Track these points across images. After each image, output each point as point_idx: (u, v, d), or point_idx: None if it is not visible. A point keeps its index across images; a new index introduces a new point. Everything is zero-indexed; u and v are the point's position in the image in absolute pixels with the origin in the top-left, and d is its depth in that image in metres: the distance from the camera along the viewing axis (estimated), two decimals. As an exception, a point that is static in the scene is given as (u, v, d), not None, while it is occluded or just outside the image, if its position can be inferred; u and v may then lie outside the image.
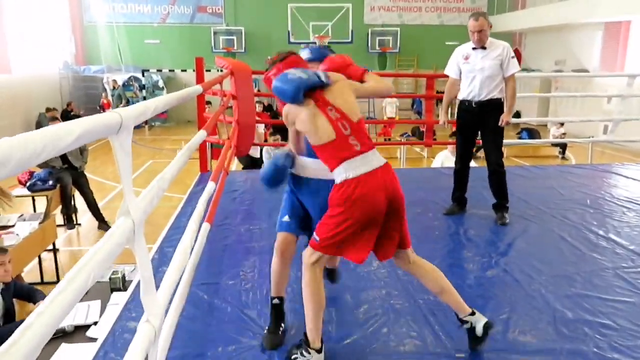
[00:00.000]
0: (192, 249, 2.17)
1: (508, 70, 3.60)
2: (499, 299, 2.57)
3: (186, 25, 17.76)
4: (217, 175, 3.06)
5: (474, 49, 3.63)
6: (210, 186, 2.72)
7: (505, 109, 3.67)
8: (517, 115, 17.45)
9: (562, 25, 14.03)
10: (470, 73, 3.63)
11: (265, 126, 8.16)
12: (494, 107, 3.61)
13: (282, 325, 2.19)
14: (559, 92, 15.28)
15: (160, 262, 2.90)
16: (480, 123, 3.68)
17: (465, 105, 3.71)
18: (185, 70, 17.09)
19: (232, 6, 17.70)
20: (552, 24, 14.02)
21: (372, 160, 1.88)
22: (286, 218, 2.19)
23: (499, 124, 3.62)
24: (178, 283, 1.88)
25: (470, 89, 3.64)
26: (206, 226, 2.57)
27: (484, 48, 3.60)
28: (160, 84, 17.31)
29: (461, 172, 3.90)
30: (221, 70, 6.05)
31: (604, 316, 2.38)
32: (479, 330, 2.00)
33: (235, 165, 8.45)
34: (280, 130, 10.05)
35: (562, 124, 11.35)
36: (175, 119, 16.90)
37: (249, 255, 3.09)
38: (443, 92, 3.96)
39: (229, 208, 4.05)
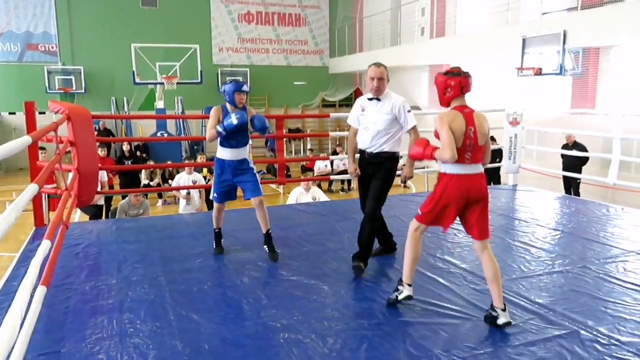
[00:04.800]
0: (25, 317, 1.93)
1: (407, 124, 3.55)
2: (351, 330, 2.69)
3: (14, 64, 16.11)
4: (53, 231, 2.77)
5: (369, 99, 3.60)
6: (45, 244, 2.46)
7: (407, 161, 3.68)
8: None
9: (395, 67, 15.52)
10: (365, 125, 3.61)
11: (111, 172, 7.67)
12: (381, 160, 3.57)
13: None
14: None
15: (-14, 337, 2.52)
16: (371, 173, 3.64)
17: (361, 155, 3.71)
18: (13, 113, 15.42)
19: (68, 44, 16.52)
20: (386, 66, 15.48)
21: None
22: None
23: (401, 181, 3.94)
24: (8, 358, 1.65)
25: (363, 140, 3.66)
26: (42, 289, 2.31)
27: (379, 100, 3.55)
28: (-17, 128, 15.38)
29: None
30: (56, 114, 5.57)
31: (445, 334, 2.62)
32: (499, 322, 2.67)
33: (79, 216, 7.77)
34: (126, 175, 9.52)
35: (401, 157, 12.46)
36: (3, 166, 15.07)
37: (96, 316, 2.84)
38: (294, 131, 4.05)
39: (71, 265, 3.69)
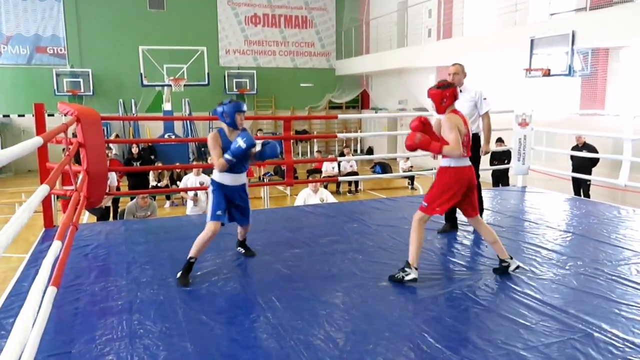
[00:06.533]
0: (36, 318, 1.92)
1: (482, 109, 4.37)
2: (361, 332, 2.68)
3: (23, 67, 16.24)
4: (63, 232, 2.77)
5: None
6: (56, 245, 2.46)
7: (483, 140, 4.49)
8: (370, 151, 18.84)
9: (402, 68, 15.54)
10: None
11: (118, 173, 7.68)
12: (472, 140, 3.79)
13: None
14: (404, 129, 16.80)
15: (-3, 337, 2.53)
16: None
17: None
18: (23, 115, 15.55)
19: (76, 47, 16.63)
20: (392, 68, 15.44)
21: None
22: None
23: (480, 154, 4.45)
24: (19, 359, 1.65)
25: None
26: (52, 290, 2.31)
27: (460, 91, 3.95)
28: (-7, 130, 15.51)
29: None
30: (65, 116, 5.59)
31: (458, 335, 2.60)
32: (511, 268, 3.35)
33: (87, 217, 7.80)
34: (135, 176, 9.54)
35: (408, 158, 12.43)
36: (13, 168, 15.18)
37: (105, 317, 2.83)
38: (301, 133, 4.16)
39: (80, 266, 3.70)
